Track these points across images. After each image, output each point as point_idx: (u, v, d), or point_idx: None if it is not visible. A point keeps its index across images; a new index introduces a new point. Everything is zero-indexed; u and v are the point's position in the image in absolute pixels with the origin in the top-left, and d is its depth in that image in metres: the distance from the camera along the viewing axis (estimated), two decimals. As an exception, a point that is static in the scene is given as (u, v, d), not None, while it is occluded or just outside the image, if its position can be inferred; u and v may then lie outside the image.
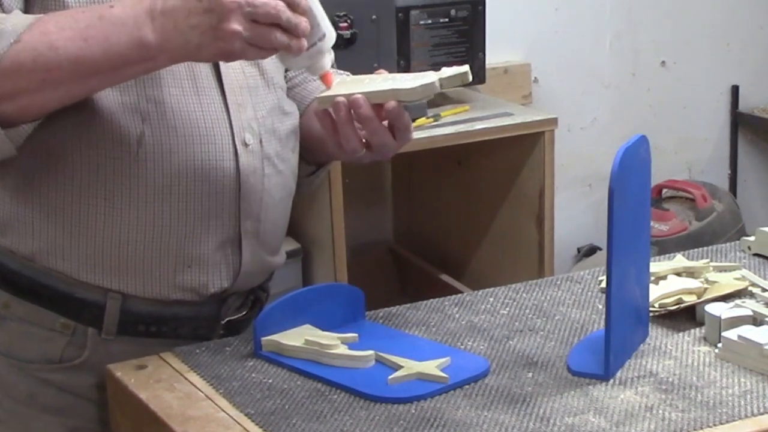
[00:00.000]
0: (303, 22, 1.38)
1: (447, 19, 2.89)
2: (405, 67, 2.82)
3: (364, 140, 1.49)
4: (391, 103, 1.45)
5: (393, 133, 1.49)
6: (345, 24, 2.65)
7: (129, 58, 1.36)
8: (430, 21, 2.87)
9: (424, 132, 2.75)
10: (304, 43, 1.39)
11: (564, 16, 3.50)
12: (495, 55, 3.25)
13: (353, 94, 1.45)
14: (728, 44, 3.77)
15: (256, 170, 1.54)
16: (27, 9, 1.42)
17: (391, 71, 2.85)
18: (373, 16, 2.75)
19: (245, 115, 1.53)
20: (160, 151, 1.46)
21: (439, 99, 2.98)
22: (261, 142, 1.54)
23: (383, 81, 1.48)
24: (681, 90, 3.73)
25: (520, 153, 2.93)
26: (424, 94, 1.46)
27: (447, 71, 1.47)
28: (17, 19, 1.37)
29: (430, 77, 1.46)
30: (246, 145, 1.52)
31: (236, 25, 1.32)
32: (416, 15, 2.85)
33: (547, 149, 2.88)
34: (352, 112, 1.46)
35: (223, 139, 1.50)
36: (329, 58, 1.47)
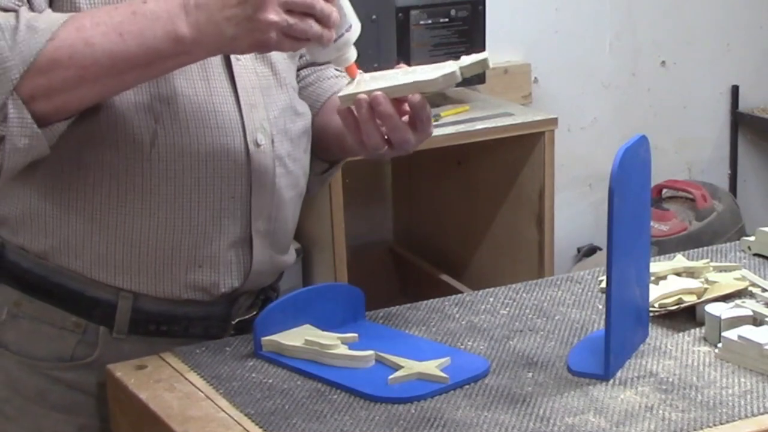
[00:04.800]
0: (334, 12, 1.38)
1: (447, 19, 2.89)
2: (405, 68, 2.82)
3: (385, 137, 1.49)
4: (416, 96, 1.45)
5: (415, 125, 1.49)
6: (345, 24, 2.65)
7: (164, 52, 1.36)
8: (430, 21, 2.87)
9: (424, 132, 2.75)
10: (334, 33, 1.40)
11: (564, 16, 3.50)
12: (495, 55, 3.25)
13: (374, 90, 1.45)
14: (728, 44, 3.77)
15: (268, 170, 1.54)
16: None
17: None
18: (373, 16, 2.75)
19: (257, 116, 1.53)
20: (172, 151, 1.47)
21: (439, 99, 2.98)
22: (273, 142, 1.54)
23: (404, 75, 1.48)
24: (681, 90, 3.73)
25: (520, 153, 2.93)
26: (446, 84, 1.46)
27: (466, 59, 1.46)
28: (51, 18, 1.37)
29: (450, 67, 1.46)
30: (258, 145, 1.52)
31: (273, 16, 1.32)
32: (416, 15, 2.85)
33: (547, 149, 2.88)
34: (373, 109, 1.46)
35: (235, 140, 1.51)
36: (354, 50, 1.48)
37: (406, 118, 1.48)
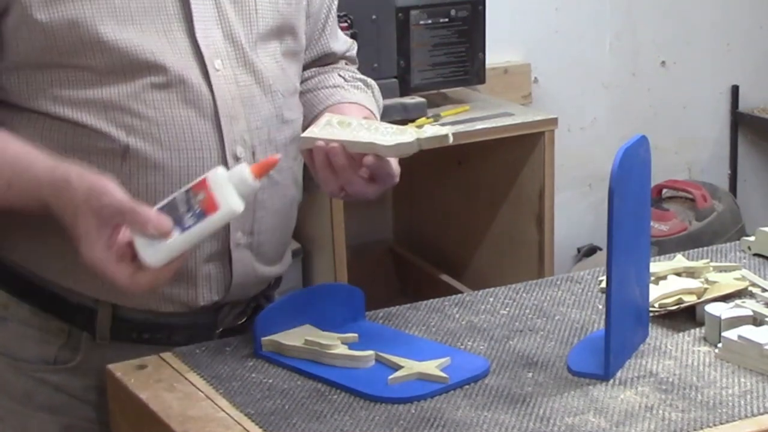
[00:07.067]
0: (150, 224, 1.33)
1: (447, 19, 2.89)
2: (405, 67, 2.82)
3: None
4: (369, 158, 1.45)
5: (374, 179, 1.48)
6: (345, 24, 2.65)
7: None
8: (430, 21, 2.87)
9: (424, 132, 2.75)
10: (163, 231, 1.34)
11: (564, 16, 3.50)
12: (495, 55, 3.25)
13: (333, 140, 1.45)
14: (728, 44, 3.77)
15: None
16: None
17: (390, 71, 2.84)
18: (373, 16, 2.75)
19: (237, 128, 1.49)
20: (144, 165, 1.44)
21: (439, 99, 2.98)
22: (254, 154, 1.51)
23: (366, 130, 1.48)
24: (681, 90, 3.73)
25: (520, 153, 2.93)
26: (400, 152, 1.46)
27: (429, 131, 1.47)
28: None
29: (409, 136, 1.46)
30: (237, 158, 1.49)
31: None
32: (416, 15, 2.85)
33: (547, 149, 2.88)
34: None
35: (211, 154, 1.47)
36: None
37: (365, 170, 1.47)
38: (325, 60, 1.72)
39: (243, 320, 1.59)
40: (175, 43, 1.46)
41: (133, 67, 1.43)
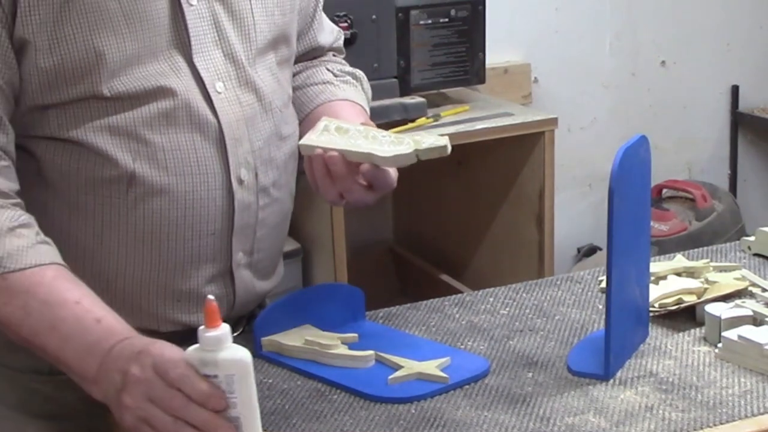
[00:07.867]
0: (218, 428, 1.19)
1: (447, 19, 2.89)
2: (405, 67, 2.82)
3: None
4: (365, 167, 1.45)
5: (371, 186, 1.48)
6: (345, 24, 2.65)
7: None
8: (430, 21, 2.87)
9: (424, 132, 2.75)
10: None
11: (564, 16, 3.50)
12: (495, 55, 3.25)
13: (331, 149, 1.45)
14: (728, 44, 3.77)
15: (251, 205, 1.50)
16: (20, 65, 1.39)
17: (390, 71, 2.83)
18: (373, 16, 2.75)
19: (242, 150, 1.49)
20: (150, 191, 1.43)
21: (439, 99, 2.98)
22: (256, 175, 1.50)
23: (364, 138, 1.47)
24: (681, 90, 3.73)
25: (520, 153, 2.93)
26: (398, 163, 1.46)
27: (427, 141, 1.46)
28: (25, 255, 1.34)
29: (407, 147, 1.45)
30: (241, 182, 1.48)
31: (128, 399, 1.24)
32: (416, 15, 2.85)
33: (547, 149, 2.88)
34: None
35: (216, 178, 1.47)
36: None
37: (362, 176, 1.46)
38: (313, 53, 1.71)
39: (239, 332, 1.59)
40: (177, 68, 1.44)
41: (139, 94, 1.42)
